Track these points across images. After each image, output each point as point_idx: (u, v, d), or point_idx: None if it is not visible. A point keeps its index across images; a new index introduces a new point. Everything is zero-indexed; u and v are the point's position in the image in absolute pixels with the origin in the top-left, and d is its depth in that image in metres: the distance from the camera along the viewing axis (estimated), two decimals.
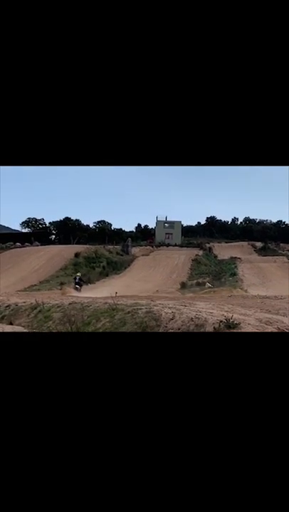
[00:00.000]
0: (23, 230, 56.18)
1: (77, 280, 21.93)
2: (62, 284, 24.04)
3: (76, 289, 20.60)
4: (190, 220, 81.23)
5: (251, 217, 69.72)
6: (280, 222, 66.72)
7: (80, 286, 21.44)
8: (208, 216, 67.23)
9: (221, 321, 6.51)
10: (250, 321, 6.90)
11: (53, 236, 55.71)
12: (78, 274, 23.54)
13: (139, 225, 64.99)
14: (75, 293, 18.29)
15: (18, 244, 41.10)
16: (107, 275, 29.94)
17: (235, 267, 32.37)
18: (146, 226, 63.32)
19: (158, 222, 53.20)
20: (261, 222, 68.61)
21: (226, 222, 68.19)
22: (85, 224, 59.26)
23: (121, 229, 59.83)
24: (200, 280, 25.81)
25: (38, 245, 40.55)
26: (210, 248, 44.01)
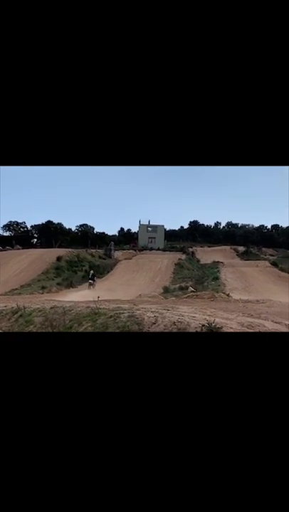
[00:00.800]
0: (4, 234, 55.59)
1: (90, 276, 25.57)
2: (43, 287, 23.84)
3: (90, 284, 24.41)
4: (173, 225, 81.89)
5: (234, 222, 70.78)
6: (262, 226, 67.88)
7: (94, 281, 25.01)
8: (191, 220, 67.95)
9: (203, 325, 6.53)
10: (232, 325, 6.94)
11: (35, 240, 55.21)
12: (92, 271, 27.07)
13: (122, 228, 65.20)
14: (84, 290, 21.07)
15: None
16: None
17: (218, 271, 32.58)
18: (129, 230, 63.49)
19: (141, 226, 53.29)
20: (243, 226, 69.58)
21: (208, 227, 68.92)
22: (67, 227, 59.01)
23: (104, 233, 59.84)
24: (183, 284, 25.85)
25: (19, 249, 40.08)
26: (193, 252, 44.30)
